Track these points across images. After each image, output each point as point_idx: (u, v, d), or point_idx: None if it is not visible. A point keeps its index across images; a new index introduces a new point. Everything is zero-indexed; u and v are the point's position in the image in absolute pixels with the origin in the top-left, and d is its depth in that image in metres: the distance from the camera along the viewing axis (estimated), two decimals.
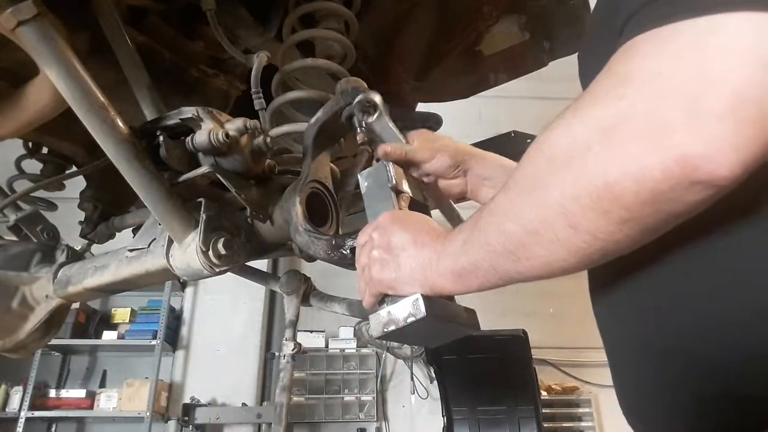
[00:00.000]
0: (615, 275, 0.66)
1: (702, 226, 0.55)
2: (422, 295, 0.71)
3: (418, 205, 0.92)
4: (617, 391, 0.75)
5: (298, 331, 1.58)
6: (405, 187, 0.90)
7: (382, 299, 0.76)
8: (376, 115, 0.96)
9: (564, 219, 0.54)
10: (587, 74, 0.75)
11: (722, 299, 0.56)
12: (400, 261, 0.73)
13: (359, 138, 0.98)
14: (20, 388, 4.46)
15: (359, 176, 0.91)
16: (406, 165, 0.97)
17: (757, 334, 0.54)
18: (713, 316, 0.57)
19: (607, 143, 0.51)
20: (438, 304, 0.73)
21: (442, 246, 0.71)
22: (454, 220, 1.04)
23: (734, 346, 0.56)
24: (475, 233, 0.66)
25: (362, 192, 0.89)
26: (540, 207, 0.57)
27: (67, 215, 1.65)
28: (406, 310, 0.72)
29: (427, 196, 1.04)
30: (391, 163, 0.89)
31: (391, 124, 0.96)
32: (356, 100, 0.96)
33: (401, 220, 0.78)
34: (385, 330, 0.73)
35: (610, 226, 0.52)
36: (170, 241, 1.14)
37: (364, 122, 0.96)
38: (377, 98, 0.96)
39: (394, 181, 0.87)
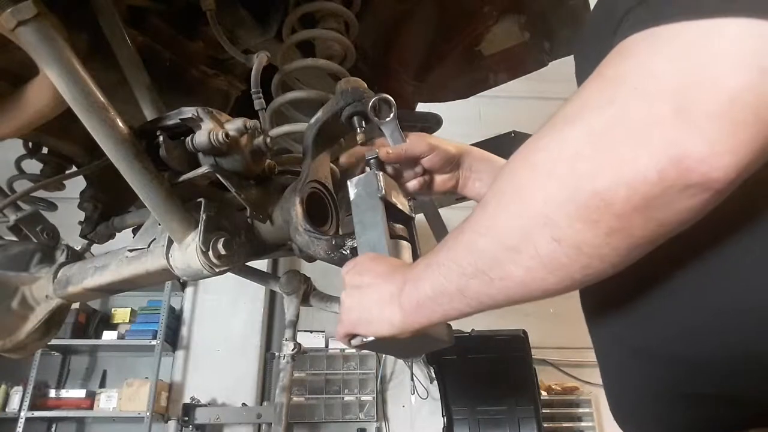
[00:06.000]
0: (607, 284, 0.66)
1: (695, 239, 0.54)
2: None
3: (403, 217, 0.92)
4: (608, 397, 0.74)
5: (298, 331, 1.58)
6: (394, 198, 0.90)
7: None
8: (391, 116, 0.95)
9: (547, 231, 0.51)
10: (582, 77, 0.75)
11: (708, 304, 0.56)
12: (363, 301, 0.72)
13: (359, 138, 0.98)
14: (20, 388, 4.46)
15: (348, 183, 0.90)
16: (404, 162, 0.97)
17: (740, 336, 0.54)
18: (699, 320, 0.56)
19: (596, 147, 0.49)
20: None
21: (402, 276, 0.69)
22: (440, 231, 1.05)
23: (717, 348, 0.55)
24: (441, 254, 0.63)
25: (350, 200, 0.89)
26: (521, 218, 0.53)
27: (67, 215, 1.64)
28: None
29: (415, 205, 1.04)
30: (381, 173, 0.89)
31: (398, 126, 0.96)
32: (372, 100, 0.95)
33: (373, 260, 0.78)
34: (364, 340, 0.73)
35: (597, 239, 0.50)
36: (170, 241, 1.14)
37: (378, 122, 0.95)
38: (391, 99, 0.95)
39: (383, 191, 0.87)
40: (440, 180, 1.02)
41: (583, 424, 4.79)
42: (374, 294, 0.71)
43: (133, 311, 4.88)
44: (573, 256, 0.51)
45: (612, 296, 0.65)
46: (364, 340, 0.72)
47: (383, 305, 0.69)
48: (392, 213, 0.89)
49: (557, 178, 0.51)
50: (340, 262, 0.97)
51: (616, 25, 0.54)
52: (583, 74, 0.76)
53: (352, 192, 0.89)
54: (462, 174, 1.02)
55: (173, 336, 4.83)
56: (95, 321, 4.77)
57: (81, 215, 1.52)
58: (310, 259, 1.13)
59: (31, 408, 4.37)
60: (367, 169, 0.94)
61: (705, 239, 0.54)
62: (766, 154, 0.46)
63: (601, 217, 0.49)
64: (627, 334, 0.65)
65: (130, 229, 1.49)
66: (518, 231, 0.54)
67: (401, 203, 0.92)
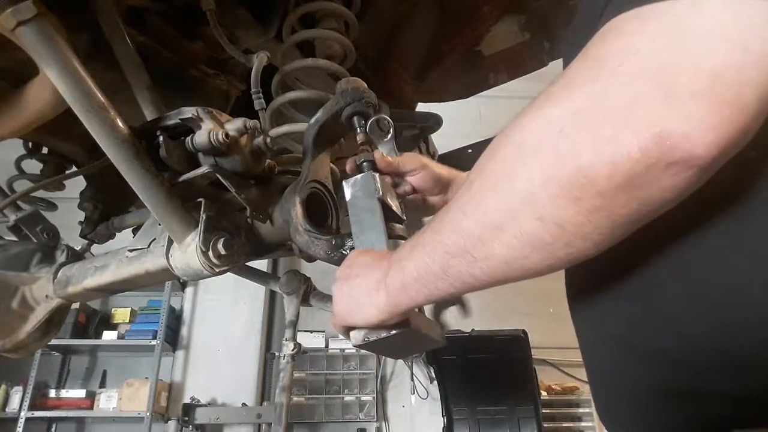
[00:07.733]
0: (590, 277, 0.65)
1: (675, 228, 0.54)
2: None
3: (397, 218, 0.93)
4: (593, 394, 0.74)
5: (298, 331, 1.58)
6: (389, 200, 0.90)
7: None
8: (390, 136, 0.96)
9: (531, 209, 0.51)
10: (569, 61, 0.75)
11: (692, 299, 0.55)
12: (352, 291, 0.72)
13: (359, 138, 0.98)
14: (20, 388, 4.46)
15: (344, 183, 0.90)
16: (394, 177, 0.99)
17: (725, 332, 0.53)
18: (683, 314, 0.56)
19: (580, 125, 0.49)
20: (419, 316, 0.74)
21: (388, 261, 0.68)
22: None
23: (701, 344, 0.55)
24: (425, 235, 0.63)
25: (347, 200, 0.89)
26: (505, 198, 0.53)
27: (67, 215, 1.64)
28: None
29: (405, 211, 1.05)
30: (378, 174, 0.90)
31: (395, 146, 0.98)
32: (371, 120, 0.96)
33: (363, 254, 0.78)
34: (366, 339, 0.72)
35: (579, 216, 0.49)
36: (170, 241, 1.14)
37: (376, 142, 0.97)
38: (389, 120, 0.97)
39: (381, 192, 0.87)
40: (432, 201, 1.04)
41: (583, 424, 4.79)
42: (362, 283, 0.71)
43: (133, 311, 4.88)
44: (556, 234, 0.51)
45: (596, 286, 0.65)
46: (367, 339, 0.72)
47: (370, 292, 0.69)
48: (387, 214, 0.89)
49: (541, 156, 0.51)
50: (340, 262, 0.97)
51: (602, 8, 0.54)
52: (569, 59, 0.76)
53: (348, 192, 0.89)
54: (452, 197, 1.02)
55: (173, 336, 4.83)
56: (95, 321, 4.78)
57: (81, 215, 1.52)
58: (310, 259, 1.13)
59: (31, 408, 4.37)
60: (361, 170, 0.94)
61: (686, 225, 0.54)
62: (749, 134, 0.46)
63: (584, 195, 0.48)
64: (612, 326, 0.64)
65: (130, 229, 1.49)
66: (502, 209, 0.53)
67: (395, 205, 0.92)
